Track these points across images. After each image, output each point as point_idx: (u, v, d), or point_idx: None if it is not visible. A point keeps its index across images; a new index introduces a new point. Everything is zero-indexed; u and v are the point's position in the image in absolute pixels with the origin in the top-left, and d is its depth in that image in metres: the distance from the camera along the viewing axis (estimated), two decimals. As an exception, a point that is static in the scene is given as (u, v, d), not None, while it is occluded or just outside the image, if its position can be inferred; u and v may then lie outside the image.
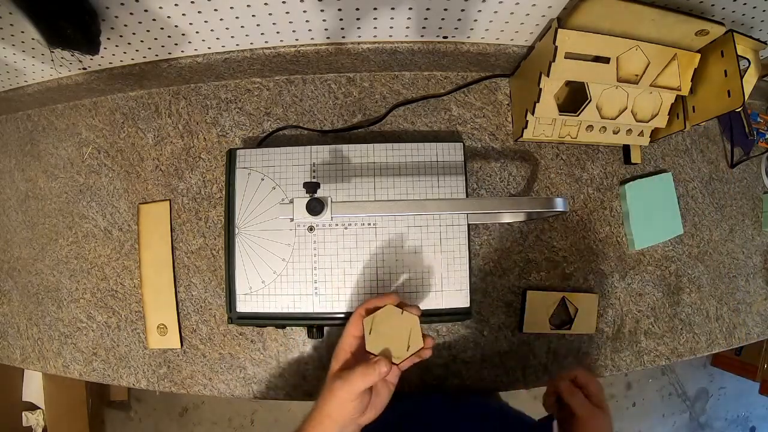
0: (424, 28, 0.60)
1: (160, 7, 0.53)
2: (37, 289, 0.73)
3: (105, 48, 0.59)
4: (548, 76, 0.56)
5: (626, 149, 0.71)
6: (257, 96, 0.71)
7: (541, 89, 0.59)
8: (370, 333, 0.44)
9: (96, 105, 0.74)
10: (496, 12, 0.56)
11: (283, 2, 0.53)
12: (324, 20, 0.57)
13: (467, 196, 0.61)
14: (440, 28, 0.60)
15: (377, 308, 0.45)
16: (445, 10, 0.56)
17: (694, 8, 0.55)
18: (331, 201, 0.50)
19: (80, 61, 0.63)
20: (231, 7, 0.54)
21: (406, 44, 0.63)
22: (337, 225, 0.59)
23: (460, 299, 0.58)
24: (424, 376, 0.65)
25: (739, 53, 0.54)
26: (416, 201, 0.58)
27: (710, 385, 1.83)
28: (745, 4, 0.54)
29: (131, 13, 0.53)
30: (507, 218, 0.66)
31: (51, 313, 0.71)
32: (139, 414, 1.67)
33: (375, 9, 0.55)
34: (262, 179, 0.60)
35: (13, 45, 0.58)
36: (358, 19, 0.57)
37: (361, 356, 0.44)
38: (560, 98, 0.65)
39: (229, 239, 0.59)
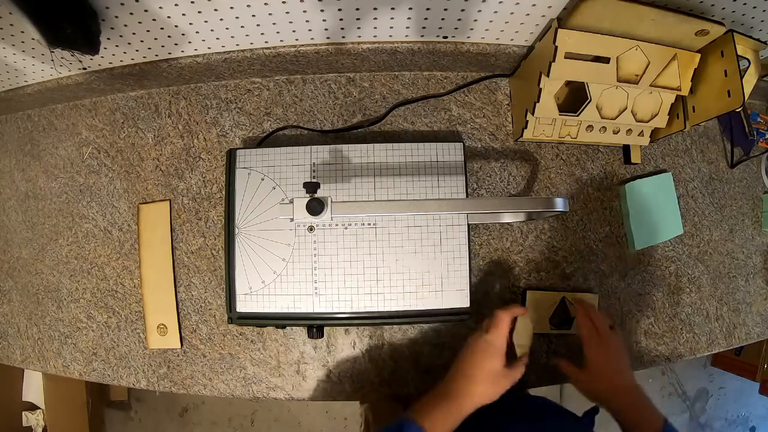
0: (424, 28, 0.60)
1: (160, 7, 0.53)
2: (37, 289, 0.73)
3: (105, 48, 0.59)
4: (548, 76, 0.56)
5: (626, 149, 0.71)
6: (257, 96, 0.70)
7: (541, 89, 0.59)
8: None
9: (96, 105, 0.74)
10: (496, 12, 0.56)
11: (283, 2, 0.53)
12: (324, 20, 0.57)
13: (467, 196, 0.61)
14: (440, 28, 0.60)
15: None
16: (445, 10, 0.56)
17: (694, 8, 0.55)
18: (331, 201, 0.50)
19: (80, 61, 0.63)
20: (231, 7, 0.54)
21: (406, 44, 0.63)
22: (337, 225, 0.59)
23: (460, 299, 0.58)
24: (425, 376, 0.65)
25: (739, 53, 0.54)
26: (416, 201, 0.58)
27: (710, 385, 1.83)
28: (745, 4, 0.54)
29: (131, 13, 0.53)
30: (507, 218, 0.66)
31: (51, 313, 0.71)
32: (139, 414, 1.67)
33: (375, 9, 0.55)
34: (262, 179, 0.60)
35: (13, 45, 0.58)
36: (358, 19, 0.57)
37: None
38: (560, 98, 0.65)
39: (229, 239, 0.59)
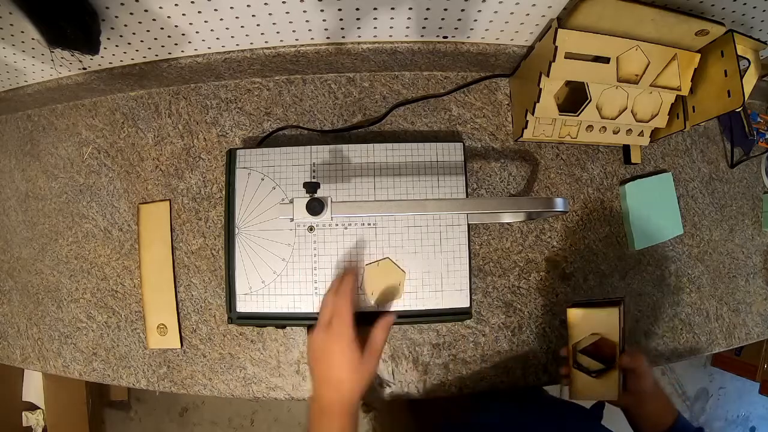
0: (424, 28, 0.60)
1: (160, 7, 0.53)
2: (37, 289, 0.73)
3: (105, 48, 0.59)
4: (548, 76, 0.56)
5: (626, 149, 0.71)
6: (257, 96, 0.70)
7: (541, 89, 0.59)
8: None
9: (96, 105, 0.74)
10: (496, 12, 0.56)
11: (283, 2, 0.53)
12: (324, 20, 0.57)
13: (467, 196, 0.61)
14: (440, 28, 0.60)
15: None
16: (445, 10, 0.56)
17: (694, 8, 0.55)
18: (331, 201, 0.50)
19: (80, 61, 0.63)
20: (231, 7, 0.54)
21: (406, 44, 0.63)
22: (337, 225, 0.59)
23: (460, 299, 0.58)
24: (424, 376, 0.65)
25: (739, 53, 0.54)
26: (416, 201, 0.58)
27: (710, 385, 1.83)
28: (745, 4, 0.54)
29: (131, 13, 0.53)
30: (507, 218, 0.66)
31: (51, 313, 0.71)
32: (139, 414, 1.67)
33: (375, 9, 0.55)
34: (262, 179, 0.60)
35: (13, 45, 0.58)
36: (358, 19, 0.57)
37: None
38: (560, 98, 0.65)
39: (229, 239, 0.59)
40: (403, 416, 0.65)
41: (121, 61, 0.64)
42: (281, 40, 0.62)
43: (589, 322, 0.56)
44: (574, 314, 0.57)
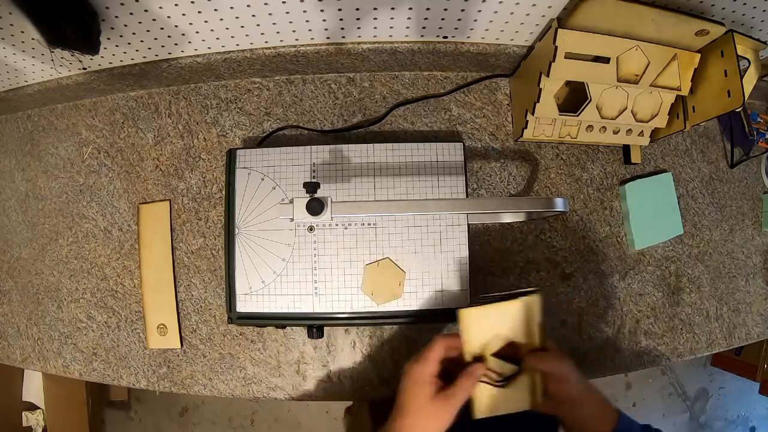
0: (424, 28, 0.60)
1: (160, 7, 0.53)
2: (37, 289, 0.73)
3: (105, 48, 0.59)
4: (548, 76, 0.56)
5: (626, 149, 0.71)
6: (257, 96, 0.70)
7: (541, 89, 0.59)
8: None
9: (96, 105, 0.74)
10: (496, 12, 0.56)
11: (283, 2, 0.53)
12: (324, 20, 0.57)
13: (467, 196, 0.61)
14: (440, 28, 0.60)
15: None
16: (445, 10, 0.56)
17: (694, 8, 0.55)
18: (331, 201, 0.50)
19: (80, 61, 0.63)
20: (231, 7, 0.54)
21: (406, 44, 0.63)
22: (337, 225, 0.59)
23: (460, 299, 0.58)
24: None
25: (739, 53, 0.54)
26: (416, 201, 0.58)
27: (710, 385, 1.83)
28: (745, 4, 0.54)
29: (131, 13, 0.53)
30: (507, 218, 0.66)
31: (51, 313, 0.71)
32: (139, 414, 1.67)
33: (375, 9, 0.55)
34: (262, 179, 0.60)
35: (13, 45, 0.58)
36: (358, 19, 0.57)
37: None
38: (560, 98, 0.65)
39: (229, 239, 0.59)
40: (365, 418, 0.64)
41: (121, 61, 0.64)
42: (281, 40, 0.62)
43: (489, 323, 0.46)
44: (466, 315, 0.46)
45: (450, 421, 0.43)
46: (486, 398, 0.45)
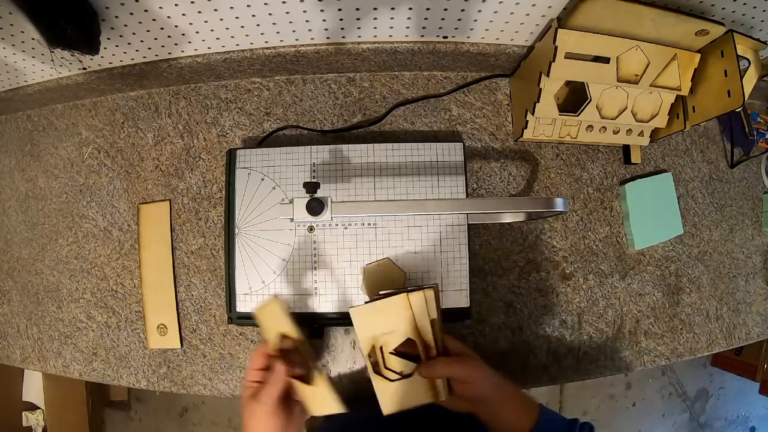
0: (424, 28, 0.60)
1: (160, 7, 0.53)
2: (37, 289, 0.73)
3: (105, 48, 0.59)
4: (548, 76, 0.56)
5: (626, 149, 0.71)
6: (257, 96, 0.70)
7: (541, 89, 0.59)
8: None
9: (96, 105, 0.74)
10: (496, 12, 0.56)
11: (283, 2, 0.53)
12: (324, 20, 0.57)
13: (467, 196, 0.61)
14: (440, 28, 0.60)
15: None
16: (445, 10, 0.56)
17: (694, 8, 0.55)
18: (331, 201, 0.50)
19: (80, 61, 0.63)
20: (231, 7, 0.54)
21: (406, 44, 0.63)
22: (337, 225, 0.59)
23: (460, 299, 0.58)
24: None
25: (739, 53, 0.54)
26: (416, 201, 0.58)
27: (710, 385, 1.83)
28: (745, 4, 0.54)
29: (131, 13, 0.53)
30: (507, 218, 0.66)
31: (51, 313, 0.71)
32: (139, 414, 1.67)
33: (375, 9, 0.55)
34: (262, 179, 0.60)
35: (13, 45, 0.58)
36: (358, 19, 0.57)
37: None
38: (560, 98, 0.65)
39: (229, 239, 0.59)
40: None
41: (121, 61, 0.64)
42: (281, 40, 0.62)
43: (379, 319, 0.45)
44: (358, 313, 0.45)
45: (298, 424, 0.43)
46: (388, 395, 0.45)
